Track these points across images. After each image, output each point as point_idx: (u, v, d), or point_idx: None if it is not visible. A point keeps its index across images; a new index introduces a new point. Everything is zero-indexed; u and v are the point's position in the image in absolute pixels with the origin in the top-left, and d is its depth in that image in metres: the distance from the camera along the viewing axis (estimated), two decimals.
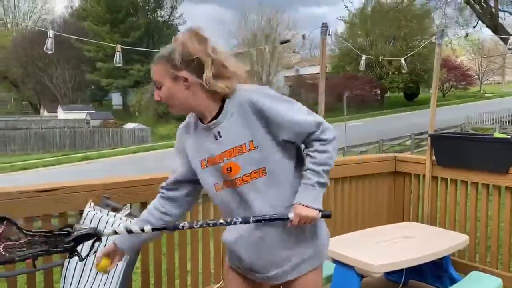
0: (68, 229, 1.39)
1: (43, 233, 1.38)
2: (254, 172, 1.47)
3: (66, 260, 1.91)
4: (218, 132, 1.49)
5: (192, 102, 1.49)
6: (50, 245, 1.35)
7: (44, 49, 2.56)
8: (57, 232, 1.38)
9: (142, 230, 1.45)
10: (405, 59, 4.74)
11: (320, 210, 1.49)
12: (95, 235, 1.41)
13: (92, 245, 1.44)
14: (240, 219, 1.46)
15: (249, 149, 1.46)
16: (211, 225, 1.49)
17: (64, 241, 1.36)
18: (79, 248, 1.42)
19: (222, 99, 1.49)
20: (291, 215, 1.47)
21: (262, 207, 1.48)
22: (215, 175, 1.53)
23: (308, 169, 1.49)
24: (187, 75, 1.44)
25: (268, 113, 1.44)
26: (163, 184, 1.66)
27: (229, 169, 1.48)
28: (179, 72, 1.44)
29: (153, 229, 1.46)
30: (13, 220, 1.36)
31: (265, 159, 1.46)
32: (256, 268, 1.59)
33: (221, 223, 1.47)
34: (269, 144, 1.47)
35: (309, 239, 1.58)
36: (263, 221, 1.47)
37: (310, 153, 1.50)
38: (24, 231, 1.36)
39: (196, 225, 1.48)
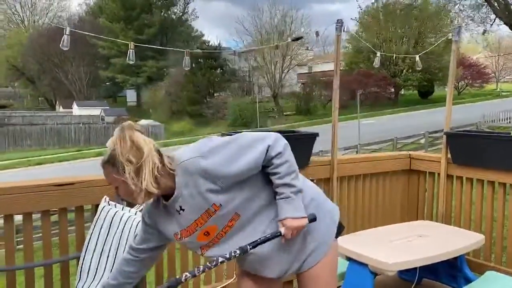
0: None
1: None
2: (230, 221, 1.51)
3: (82, 255, 1.94)
4: (180, 207, 1.50)
5: (150, 190, 1.45)
6: None
7: (60, 46, 2.59)
8: None
9: None
10: (419, 57, 4.68)
11: (305, 217, 1.54)
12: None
13: None
14: (238, 251, 1.50)
15: (215, 210, 1.47)
16: (212, 267, 1.50)
17: None
18: None
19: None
20: (282, 230, 1.52)
21: (255, 238, 1.53)
22: (194, 243, 1.56)
23: (277, 185, 1.52)
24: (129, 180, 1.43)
25: (220, 173, 1.44)
26: (134, 246, 1.65)
27: (206, 233, 1.53)
28: (122, 177, 1.43)
29: None
30: None
31: (233, 208, 1.49)
32: (268, 275, 1.65)
33: (222, 261, 1.50)
34: (231, 195, 1.48)
35: (309, 236, 1.63)
36: (259, 245, 1.52)
37: (273, 170, 1.51)
38: None
39: (198, 272, 1.48)
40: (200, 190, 1.45)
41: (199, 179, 1.45)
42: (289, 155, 1.52)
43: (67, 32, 2.59)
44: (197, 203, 1.47)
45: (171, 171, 1.47)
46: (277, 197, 1.53)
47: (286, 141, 1.52)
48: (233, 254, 1.50)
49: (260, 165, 1.49)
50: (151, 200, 1.58)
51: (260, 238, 1.52)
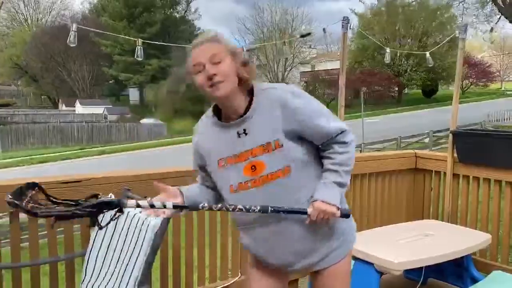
0: (93, 198, 1.42)
1: (68, 201, 1.41)
2: (280, 171, 1.45)
3: (87, 252, 1.94)
4: (244, 130, 1.47)
5: (235, 88, 1.45)
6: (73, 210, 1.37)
7: (67, 42, 2.59)
8: (82, 201, 1.41)
9: (164, 206, 1.43)
10: (425, 56, 4.67)
11: (338, 208, 1.48)
12: (118, 205, 1.40)
13: (114, 215, 1.44)
14: (258, 207, 1.43)
15: (275, 148, 1.44)
16: (230, 209, 1.46)
17: (88, 207, 1.37)
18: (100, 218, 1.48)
19: (249, 97, 1.48)
20: (309, 210, 1.46)
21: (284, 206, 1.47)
22: (234, 175, 1.49)
23: (326, 169, 1.50)
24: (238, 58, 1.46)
25: (298, 115, 1.44)
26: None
27: (253, 167, 1.46)
28: (236, 51, 1.46)
29: (174, 207, 1.44)
30: (43, 188, 1.43)
31: (290, 158, 1.45)
32: (283, 264, 1.58)
33: (240, 209, 1.44)
34: (294, 144, 1.46)
35: (334, 232, 1.58)
36: (281, 212, 1.45)
37: (329, 155, 1.50)
38: (51, 198, 1.41)
39: (215, 207, 1.46)
40: (273, 121, 1.44)
41: (277, 111, 1.43)
42: (352, 149, 1.52)
43: (74, 29, 2.59)
44: (263, 132, 1.45)
45: (249, 90, 1.48)
46: (321, 180, 1.50)
47: (354, 138, 1.53)
48: (253, 208, 1.43)
49: (326, 138, 1.49)
50: (200, 122, 1.59)
51: (284, 207, 1.45)
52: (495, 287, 2.49)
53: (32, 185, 1.43)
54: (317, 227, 1.51)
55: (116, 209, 1.41)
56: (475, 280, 2.68)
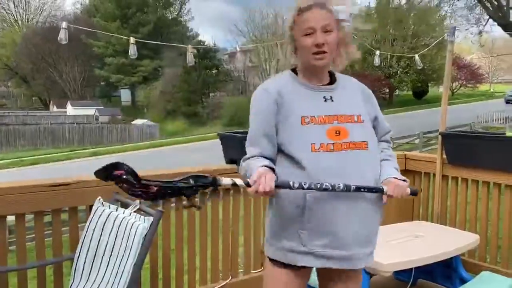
0: (189, 180, 1.44)
1: (160, 181, 1.43)
2: (359, 143, 1.52)
3: (76, 256, 1.92)
4: (330, 97, 1.56)
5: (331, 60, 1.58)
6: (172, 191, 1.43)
7: (58, 39, 2.58)
8: (178, 180, 1.44)
9: (248, 185, 1.41)
10: (414, 58, 4.71)
11: (407, 182, 1.59)
12: (212, 183, 1.45)
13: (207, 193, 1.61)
14: (341, 185, 1.43)
15: (357, 121, 1.55)
16: (317, 187, 1.42)
17: (186, 182, 1.43)
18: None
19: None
20: (385, 188, 1.53)
21: (358, 178, 1.48)
22: (317, 134, 1.47)
23: (384, 158, 1.64)
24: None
25: (373, 102, 1.68)
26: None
27: (338, 132, 1.50)
28: (342, 24, 1.55)
29: (275, 186, 1.40)
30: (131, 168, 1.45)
31: (368, 135, 1.57)
32: (344, 240, 1.49)
33: (325, 188, 1.41)
34: (369, 124, 1.61)
35: (374, 238, 1.62)
36: (362, 190, 1.47)
37: (383, 149, 1.69)
38: (142, 180, 1.42)
39: (305, 185, 1.41)
40: (356, 99, 1.61)
41: (358, 93, 1.64)
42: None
43: (64, 26, 2.58)
44: (348, 105, 1.57)
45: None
46: (384, 164, 1.62)
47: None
48: (337, 185, 1.43)
49: (383, 132, 1.71)
50: (274, 85, 1.57)
51: (363, 185, 1.47)
52: (483, 287, 2.51)
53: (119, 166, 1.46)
54: (377, 216, 1.58)
55: (212, 187, 1.46)
56: (464, 281, 2.70)
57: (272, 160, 1.54)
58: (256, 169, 1.43)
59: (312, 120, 1.49)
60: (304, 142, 1.47)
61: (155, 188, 1.40)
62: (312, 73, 1.57)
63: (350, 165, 1.48)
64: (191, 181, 1.43)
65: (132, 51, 2.66)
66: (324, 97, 1.55)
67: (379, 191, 1.52)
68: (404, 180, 1.57)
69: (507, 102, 31.25)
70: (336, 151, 1.47)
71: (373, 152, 1.56)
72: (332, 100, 1.55)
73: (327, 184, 1.42)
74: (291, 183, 1.42)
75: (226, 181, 1.44)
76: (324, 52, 1.50)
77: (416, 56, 3.94)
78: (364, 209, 1.52)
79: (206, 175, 1.44)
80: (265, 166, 1.46)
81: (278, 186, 1.42)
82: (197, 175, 1.43)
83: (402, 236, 2.72)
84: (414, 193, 1.63)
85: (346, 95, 1.59)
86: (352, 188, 1.45)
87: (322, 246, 1.49)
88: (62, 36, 2.54)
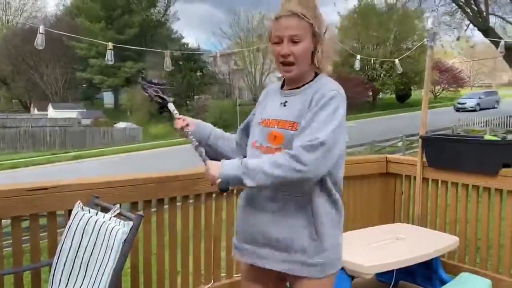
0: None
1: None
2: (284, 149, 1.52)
3: (54, 262, 1.89)
4: (285, 102, 1.59)
5: (304, 71, 1.57)
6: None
7: (34, 44, 2.54)
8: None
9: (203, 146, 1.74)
10: (398, 61, 4.78)
11: (222, 180, 1.51)
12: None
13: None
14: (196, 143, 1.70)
15: (293, 128, 1.53)
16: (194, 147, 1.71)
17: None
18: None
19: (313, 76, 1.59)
20: (208, 162, 1.59)
21: None
22: (261, 134, 1.61)
23: (266, 158, 1.51)
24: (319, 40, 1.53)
25: (317, 106, 1.49)
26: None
27: (274, 137, 1.56)
28: (319, 33, 1.51)
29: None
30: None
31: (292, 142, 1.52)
32: (252, 237, 1.63)
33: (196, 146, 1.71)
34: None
35: (310, 240, 1.55)
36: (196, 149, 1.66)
37: (286, 152, 1.47)
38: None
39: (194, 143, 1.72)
40: (304, 105, 1.52)
41: (311, 95, 1.52)
42: (292, 173, 1.43)
43: (41, 31, 2.54)
44: (295, 111, 1.54)
45: (314, 70, 1.58)
46: (266, 156, 1.55)
47: (308, 171, 1.44)
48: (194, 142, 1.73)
49: (300, 133, 1.56)
50: (271, 87, 1.72)
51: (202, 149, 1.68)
52: None
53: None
54: (289, 216, 1.54)
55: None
56: (443, 282, 2.74)
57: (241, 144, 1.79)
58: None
59: (264, 122, 1.62)
60: (251, 138, 1.67)
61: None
62: (287, 78, 1.62)
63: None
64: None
65: (109, 56, 2.63)
66: (281, 102, 1.60)
67: (202, 158, 1.64)
68: (220, 170, 1.52)
69: (457, 110, 30.40)
70: (265, 152, 1.57)
71: None
72: (285, 106, 1.58)
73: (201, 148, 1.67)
74: (194, 142, 1.72)
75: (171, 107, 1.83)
76: (291, 64, 1.53)
77: (396, 61, 4.00)
78: (276, 212, 1.55)
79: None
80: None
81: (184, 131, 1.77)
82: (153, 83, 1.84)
83: (384, 238, 2.75)
84: (221, 189, 1.56)
85: (299, 101, 1.55)
86: (194, 145, 1.69)
87: (238, 239, 1.72)
88: (39, 41, 2.50)
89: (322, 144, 1.43)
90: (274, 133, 1.56)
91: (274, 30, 1.53)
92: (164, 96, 1.83)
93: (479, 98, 31.93)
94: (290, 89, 1.60)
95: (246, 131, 1.77)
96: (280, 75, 1.67)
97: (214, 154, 1.72)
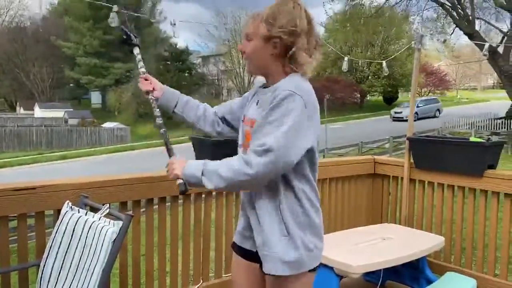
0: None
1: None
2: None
3: (43, 261, 1.88)
4: (258, 101, 1.64)
5: (262, 68, 1.61)
6: None
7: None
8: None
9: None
10: (385, 63, 4.84)
11: (183, 179, 1.55)
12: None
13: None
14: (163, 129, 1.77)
15: (251, 124, 1.59)
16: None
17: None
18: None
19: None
20: (173, 157, 1.65)
21: None
22: (241, 133, 1.69)
23: (224, 161, 1.50)
24: (279, 41, 1.52)
25: (269, 107, 1.46)
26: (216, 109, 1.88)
27: (248, 135, 1.62)
28: (272, 34, 1.52)
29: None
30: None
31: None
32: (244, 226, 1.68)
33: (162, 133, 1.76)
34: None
35: (291, 235, 1.53)
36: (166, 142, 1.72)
37: (241, 156, 1.47)
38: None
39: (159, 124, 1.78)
40: (267, 103, 1.51)
41: (272, 98, 1.49)
42: (244, 171, 1.42)
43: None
44: (263, 108, 1.54)
45: (286, 70, 1.56)
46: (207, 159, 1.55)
47: (256, 175, 1.41)
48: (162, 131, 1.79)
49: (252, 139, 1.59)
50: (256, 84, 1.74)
51: (168, 141, 1.75)
52: (448, 287, 2.60)
53: None
54: (269, 218, 1.55)
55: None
56: (430, 281, 2.78)
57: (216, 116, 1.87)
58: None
59: (245, 120, 1.68)
60: (239, 136, 1.72)
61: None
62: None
63: None
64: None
65: (115, 19, 2.46)
66: (257, 101, 1.65)
67: (168, 150, 1.71)
68: (182, 169, 1.54)
69: (394, 120, 29.51)
70: (244, 150, 1.63)
71: None
72: (257, 104, 1.63)
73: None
74: (157, 112, 1.81)
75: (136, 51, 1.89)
76: (246, 59, 1.63)
77: (384, 63, 4.04)
78: (256, 208, 1.58)
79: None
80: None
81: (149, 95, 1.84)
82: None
83: (371, 238, 2.78)
84: (181, 191, 1.58)
85: (266, 99, 1.55)
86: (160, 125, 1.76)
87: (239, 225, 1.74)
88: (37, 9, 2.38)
89: (270, 149, 1.39)
90: (247, 131, 1.63)
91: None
92: (131, 35, 1.84)
93: (417, 106, 29.03)
94: (264, 88, 1.65)
95: (231, 110, 1.83)
96: None
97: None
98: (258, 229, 1.58)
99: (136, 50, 1.86)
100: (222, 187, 1.48)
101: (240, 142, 1.69)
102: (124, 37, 1.84)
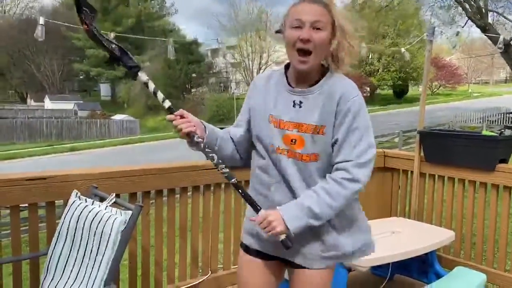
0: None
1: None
2: (310, 154, 1.44)
3: (50, 250, 1.89)
4: (300, 102, 1.46)
5: (319, 63, 1.46)
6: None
7: (34, 35, 2.53)
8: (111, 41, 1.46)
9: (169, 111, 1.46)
10: (393, 57, 4.83)
11: (288, 234, 1.41)
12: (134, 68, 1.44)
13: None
14: (225, 170, 1.45)
15: (319, 132, 1.43)
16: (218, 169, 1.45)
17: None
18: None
19: (321, 72, 1.48)
20: (261, 212, 1.44)
21: (297, 189, 1.47)
22: (276, 137, 1.48)
23: (314, 189, 1.43)
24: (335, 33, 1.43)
25: (348, 118, 1.42)
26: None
27: (294, 140, 1.45)
28: (343, 28, 1.43)
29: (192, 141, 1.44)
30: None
31: (324, 148, 1.45)
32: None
33: (222, 173, 1.45)
34: (330, 139, 1.45)
35: (325, 240, 1.52)
36: (239, 192, 1.46)
37: (329, 177, 1.44)
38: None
39: (220, 166, 1.45)
40: (327, 108, 1.42)
41: (335, 103, 1.42)
42: (352, 188, 1.42)
43: (42, 22, 2.52)
44: (315, 113, 1.43)
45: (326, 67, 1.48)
46: (300, 196, 1.44)
47: (361, 187, 1.44)
48: (221, 167, 1.44)
49: (341, 156, 1.44)
50: (265, 74, 1.60)
51: (247, 192, 1.49)
52: (457, 282, 2.57)
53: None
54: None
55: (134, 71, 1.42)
56: (439, 276, 2.76)
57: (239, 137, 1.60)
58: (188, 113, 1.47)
59: (275, 122, 1.49)
60: (266, 139, 1.50)
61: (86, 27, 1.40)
62: (296, 73, 1.48)
63: (289, 172, 1.47)
64: (117, 52, 1.43)
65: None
66: (294, 101, 1.47)
67: (254, 207, 1.46)
68: (286, 227, 1.40)
69: None
70: (286, 157, 1.47)
71: (319, 166, 1.46)
72: (301, 106, 1.46)
73: (225, 169, 1.45)
74: (211, 155, 1.44)
75: (144, 77, 1.45)
76: (308, 53, 1.40)
77: (403, 49, 4.00)
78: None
79: (132, 59, 1.45)
80: (206, 126, 1.50)
81: (193, 138, 1.44)
82: (125, 53, 1.44)
83: (380, 232, 2.76)
84: (284, 244, 1.42)
85: (317, 102, 1.44)
86: (232, 181, 1.45)
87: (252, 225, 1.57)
88: (39, 33, 2.49)
89: (373, 157, 1.45)
90: (292, 136, 1.45)
91: (295, 13, 1.41)
92: (130, 58, 1.45)
93: None
94: (302, 88, 1.48)
95: (249, 123, 1.60)
96: (277, 68, 1.59)
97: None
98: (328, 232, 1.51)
99: (143, 76, 1.46)
100: (332, 216, 1.46)
101: (274, 147, 1.49)
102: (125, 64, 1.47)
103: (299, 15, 1.40)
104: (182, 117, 1.46)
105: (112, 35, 2.53)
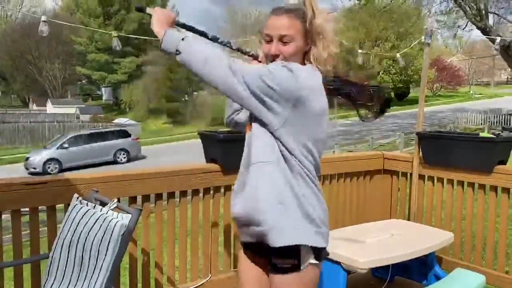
0: None
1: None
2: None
3: (51, 253, 1.91)
4: None
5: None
6: None
7: (38, 31, 2.55)
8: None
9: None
10: (393, 60, 4.84)
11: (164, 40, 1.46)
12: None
13: None
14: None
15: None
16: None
17: None
18: None
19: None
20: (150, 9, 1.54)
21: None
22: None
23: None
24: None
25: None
26: None
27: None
28: (308, 34, 1.45)
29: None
30: None
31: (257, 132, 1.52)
32: (247, 219, 1.53)
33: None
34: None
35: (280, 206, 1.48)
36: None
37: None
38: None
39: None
40: None
41: None
42: (212, 61, 1.39)
43: (44, 18, 2.55)
44: None
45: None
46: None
47: (223, 70, 1.38)
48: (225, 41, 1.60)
49: None
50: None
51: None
52: (457, 283, 2.58)
53: None
54: (273, 189, 1.46)
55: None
56: (438, 278, 2.76)
57: None
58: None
59: None
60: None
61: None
62: None
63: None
64: None
65: (116, 43, 2.59)
66: None
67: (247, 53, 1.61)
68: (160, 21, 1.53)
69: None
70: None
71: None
72: None
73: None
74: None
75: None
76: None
77: (397, 55, 4.02)
78: (252, 183, 1.52)
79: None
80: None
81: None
82: None
83: (380, 234, 2.78)
84: (137, 8, 1.63)
85: None
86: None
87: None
88: (43, 28, 2.51)
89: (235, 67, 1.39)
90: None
91: (265, 27, 1.48)
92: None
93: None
94: None
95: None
96: None
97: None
98: None
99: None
100: (198, 54, 1.40)
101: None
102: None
103: (268, 30, 1.48)
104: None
105: (114, 33, 2.55)
